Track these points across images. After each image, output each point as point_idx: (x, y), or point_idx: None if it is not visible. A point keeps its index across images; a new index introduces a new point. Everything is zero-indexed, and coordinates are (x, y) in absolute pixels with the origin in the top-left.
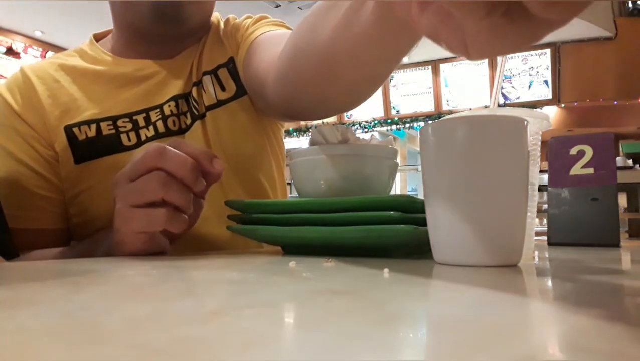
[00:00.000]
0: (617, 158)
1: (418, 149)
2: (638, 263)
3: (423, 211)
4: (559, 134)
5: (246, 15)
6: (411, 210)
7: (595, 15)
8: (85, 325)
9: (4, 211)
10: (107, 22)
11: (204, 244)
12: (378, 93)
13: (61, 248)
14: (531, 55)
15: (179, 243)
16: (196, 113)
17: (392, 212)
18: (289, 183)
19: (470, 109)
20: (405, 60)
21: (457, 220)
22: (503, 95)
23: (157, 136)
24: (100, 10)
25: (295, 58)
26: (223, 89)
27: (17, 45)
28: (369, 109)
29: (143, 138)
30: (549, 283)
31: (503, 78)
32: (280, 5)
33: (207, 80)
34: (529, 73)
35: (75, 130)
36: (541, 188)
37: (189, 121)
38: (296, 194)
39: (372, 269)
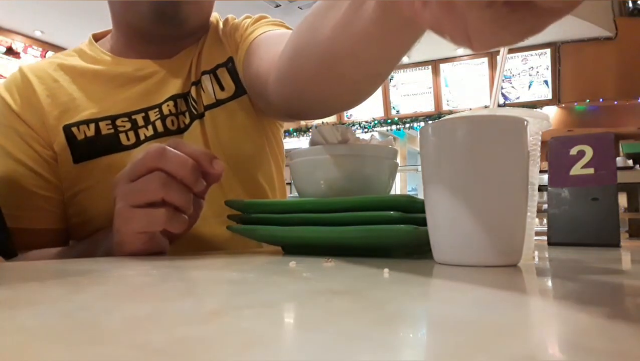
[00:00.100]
0: (617, 158)
1: (418, 149)
2: (638, 263)
3: (423, 211)
4: (559, 134)
5: (245, 15)
6: (411, 210)
7: (595, 15)
8: (85, 325)
9: (3, 211)
10: (107, 22)
11: (204, 244)
12: (378, 93)
13: (60, 248)
14: (531, 55)
15: (179, 243)
16: (195, 112)
17: (392, 212)
18: (289, 183)
19: (470, 109)
20: (405, 60)
21: (457, 220)
22: (503, 95)
23: (156, 135)
24: (100, 10)
25: (295, 57)
26: (222, 88)
27: (17, 45)
28: (369, 109)
29: (142, 137)
30: (549, 283)
31: (503, 78)
32: (280, 5)
33: (206, 79)
34: (529, 73)
35: (74, 129)
36: (541, 188)
37: (187, 121)
38: (296, 194)
39: (372, 269)
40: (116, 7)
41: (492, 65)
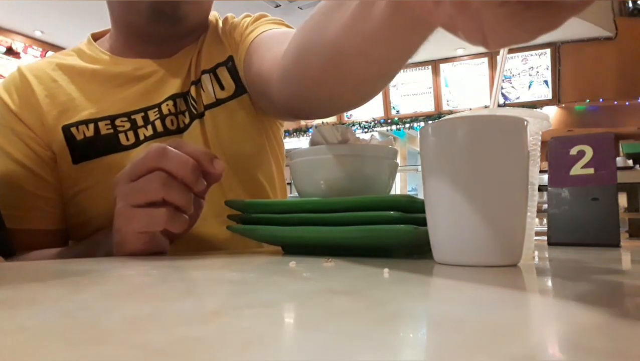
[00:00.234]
0: (617, 158)
1: (418, 149)
2: (638, 263)
3: (423, 211)
4: (559, 134)
5: (245, 14)
6: (411, 210)
7: (595, 15)
8: (85, 325)
9: (2, 212)
10: (107, 22)
11: (204, 244)
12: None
13: (60, 248)
14: (531, 55)
15: (179, 243)
16: (195, 112)
17: (392, 212)
18: (289, 184)
19: (470, 109)
20: None
21: (457, 220)
22: (503, 95)
23: (156, 135)
24: (100, 10)
25: (301, 56)
26: (222, 87)
27: (17, 45)
28: (369, 109)
29: (141, 137)
30: (549, 283)
31: (503, 78)
32: (280, 5)
33: (206, 79)
34: (529, 73)
35: (73, 129)
36: (541, 188)
37: (187, 120)
38: (296, 194)
39: (372, 269)
40: (115, 7)
41: (492, 65)
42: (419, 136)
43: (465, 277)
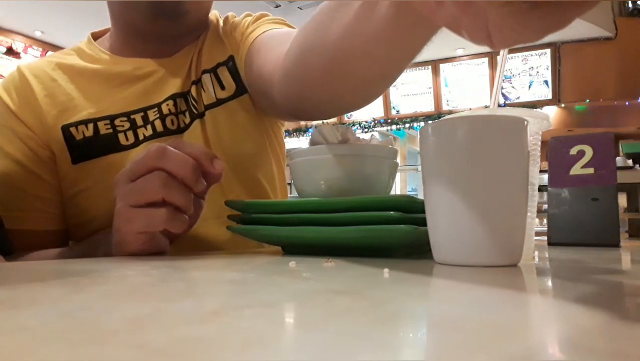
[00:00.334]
0: (617, 158)
1: (418, 149)
2: (638, 263)
3: (423, 211)
4: (559, 134)
5: (246, 13)
6: (411, 210)
7: (595, 15)
8: (85, 325)
9: (1, 213)
10: (107, 22)
11: (204, 244)
12: None
13: (60, 249)
14: (531, 55)
15: (179, 243)
16: (195, 112)
17: (392, 212)
18: (289, 183)
19: (470, 109)
20: None
21: (457, 220)
22: (503, 95)
23: (155, 135)
24: (101, 10)
25: (303, 57)
26: (222, 87)
27: (17, 45)
28: (369, 109)
29: (141, 137)
30: (549, 283)
31: (503, 78)
32: (280, 5)
33: (206, 78)
34: (529, 73)
35: (73, 129)
36: (541, 188)
37: (187, 120)
38: (296, 194)
39: (372, 269)
40: (115, 5)
41: (492, 65)
42: (419, 136)
43: (465, 277)
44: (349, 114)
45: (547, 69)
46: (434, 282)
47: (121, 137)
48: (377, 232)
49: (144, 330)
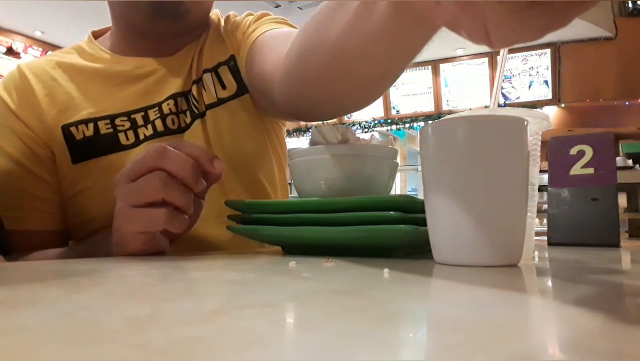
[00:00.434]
0: (617, 158)
1: (418, 149)
2: (638, 263)
3: (423, 211)
4: (559, 134)
5: (247, 12)
6: (411, 210)
7: (595, 15)
8: (85, 325)
9: (1, 213)
10: (107, 22)
11: (205, 244)
12: None
13: (60, 249)
14: (531, 55)
15: (179, 243)
16: (196, 111)
17: (392, 212)
18: (290, 183)
19: (470, 109)
20: None
21: (457, 220)
22: (503, 95)
23: (156, 135)
24: (101, 10)
25: (303, 57)
26: (224, 87)
27: (17, 45)
28: (369, 109)
29: (141, 137)
30: (549, 283)
31: (503, 78)
32: (280, 5)
33: (207, 78)
34: (529, 73)
35: (73, 129)
36: (541, 188)
37: (188, 120)
38: (296, 194)
39: (372, 269)
40: (115, 5)
41: (492, 65)
42: (419, 136)
43: (465, 277)
44: (348, 114)
45: (547, 69)
46: (434, 282)
47: (121, 136)
48: (377, 232)
49: (144, 330)
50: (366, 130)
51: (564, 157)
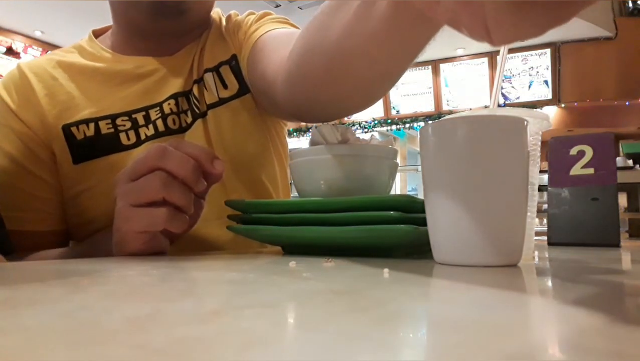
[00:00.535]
0: (617, 158)
1: (418, 149)
2: (638, 263)
3: (423, 211)
4: (559, 134)
5: (249, 11)
6: (411, 210)
7: (595, 15)
8: (85, 325)
9: (2, 213)
10: (107, 22)
11: (206, 245)
12: None
13: (60, 249)
14: (531, 55)
15: (182, 244)
16: (197, 111)
17: (392, 212)
18: (291, 183)
19: (470, 109)
20: None
21: (457, 220)
22: (503, 95)
23: (157, 135)
24: (101, 10)
25: (306, 57)
26: (225, 86)
27: (17, 45)
28: (369, 109)
29: (142, 137)
30: (549, 283)
31: (503, 78)
32: (280, 5)
33: (209, 77)
34: (529, 73)
35: (74, 129)
36: (541, 188)
37: (189, 119)
38: (296, 194)
39: (372, 269)
40: (116, 4)
41: (492, 65)
42: (419, 136)
43: (465, 277)
44: (350, 115)
45: (547, 69)
46: (434, 282)
47: (122, 136)
48: (377, 232)
49: (144, 330)
50: (366, 130)
51: (564, 157)
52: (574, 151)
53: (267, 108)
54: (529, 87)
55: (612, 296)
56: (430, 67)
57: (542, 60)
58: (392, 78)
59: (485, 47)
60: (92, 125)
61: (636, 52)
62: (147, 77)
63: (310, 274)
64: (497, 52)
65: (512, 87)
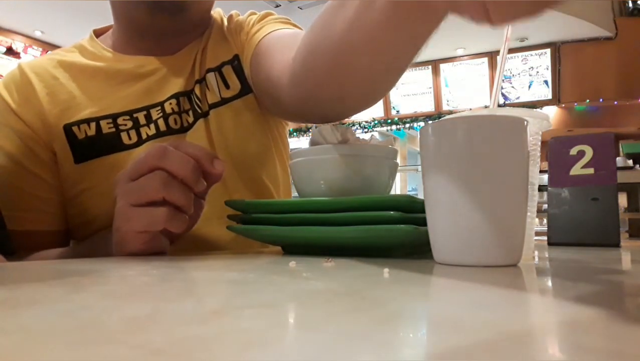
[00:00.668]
0: (617, 158)
1: (418, 149)
2: (638, 263)
3: (423, 211)
4: (559, 134)
5: (250, 11)
6: (411, 210)
7: (595, 15)
8: (85, 325)
9: (3, 213)
10: (107, 22)
11: (207, 244)
12: None
13: (61, 249)
14: (531, 55)
15: (183, 243)
16: (199, 111)
17: (392, 212)
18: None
19: (470, 109)
20: None
21: (457, 220)
22: (503, 95)
23: (158, 134)
24: (101, 10)
25: (311, 55)
26: (227, 86)
27: (17, 45)
28: (369, 109)
29: (144, 136)
30: (549, 283)
31: (503, 78)
32: (280, 5)
33: (211, 77)
34: (529, 73)
35: (75, 128)
36: (541, 188)
37: (191, 119)
38: (296, 194)
39: (372, 269)
40: (116, 3)
41: (492, 65)
42: (419, 136)
43: (465, 277)
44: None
45: (547, 69)
46: (434, 282)
47: (124, 135)
48: (377, 232)
49: (144, 330)
50: (366, 130)
51: (564, 157)
52: (574, 151)
53: (270, 109)
54: (529, 87)
55: (612, 296)
56: (430, 67)
57: (542, 60)
58: (396, 71)
59: (486, 47)
60: (93, 125)
61: (636, 52)
62: (148, 77)
63: (310, 274)
64: (497, 52)
65: (512, 87)
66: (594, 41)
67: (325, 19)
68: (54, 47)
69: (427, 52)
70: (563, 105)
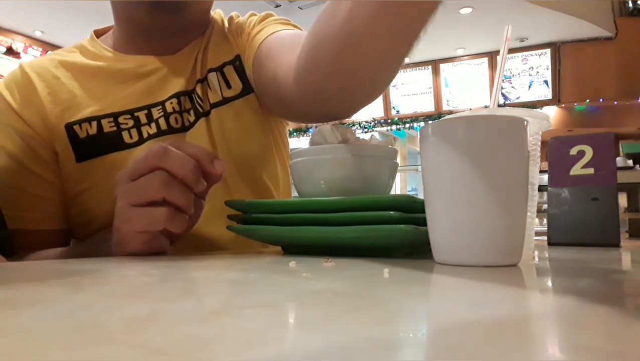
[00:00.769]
0: (617, 158)
1: (418, 149)
2: (638, 263)
3: (423, 211)
4: (559, 134)
5: (250, 12)
6: (411, 210)
7: (595, 15)
8: (85, 325)
9: (3, 212)
10: (107, 22)
11: (207, 244)
12: None
13: (61, 249)
14: (531, 55)
15: (184, 243)
16: (200, 110)
17: (392, 212)
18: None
19: (470, 109)
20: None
21: (457, 220)
22: (503, 95)
23: (159, 133)
24: (101, 10)
25: (315, 49)
26: (229, 86)
27: (17, 45)
28: (369, 109)
29: (145, 135)
30: (549, 283)
31: (503, 78)
32: (280, 5)
33: (212, 77)
34: (529, 73)
35: (76, 127)
36: (541, 188)
37: (192, 118)
38: (296, 194)
39: (372, 269)
40: (116, 3)
41: (492, 65)
42: (419, 136)
43: (465, 277)
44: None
45: (547, 69)
46: (434, 282)
47: (125, 134)
48: (378, 232)
49: (144, 330)
50: (366, 130)
51: (564, 157)
52: (574, 151)
53: (272, 108)
54: (529, 87)
55: (612, 296)
56: (430, 67)
57: (542, 60)
58: (397, 58)
59: (486, 47)
60: (94, 124)
61: (636, 52)
62: (149, 76)
63: (310, 274)
64: (497, 52)
65: (512, 87)
66: (594, 41)
67: (327, 13)
68: (54, 47)
69: (427, 52)
70: (563, 105)
